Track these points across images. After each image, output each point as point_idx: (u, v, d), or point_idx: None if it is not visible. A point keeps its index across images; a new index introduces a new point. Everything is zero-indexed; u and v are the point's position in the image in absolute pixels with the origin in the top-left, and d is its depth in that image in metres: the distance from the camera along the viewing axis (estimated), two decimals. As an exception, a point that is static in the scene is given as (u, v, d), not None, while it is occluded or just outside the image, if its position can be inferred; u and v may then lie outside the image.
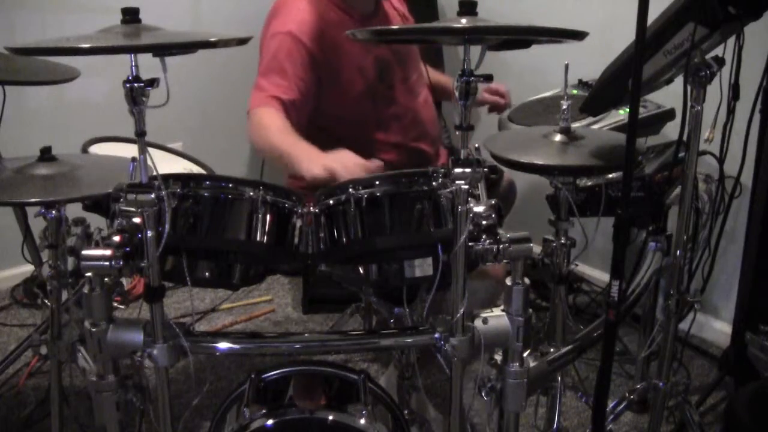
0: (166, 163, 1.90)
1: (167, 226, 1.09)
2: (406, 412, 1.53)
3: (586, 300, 2.66)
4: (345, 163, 1.43)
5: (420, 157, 2.00)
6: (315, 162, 1.47)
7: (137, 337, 1.15)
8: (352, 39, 1.20)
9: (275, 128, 1.69)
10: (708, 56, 1.42)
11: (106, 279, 1.13)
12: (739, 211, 2.06)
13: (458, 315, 1.15)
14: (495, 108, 2.13)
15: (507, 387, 1.22)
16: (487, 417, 1.27)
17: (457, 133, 1.11)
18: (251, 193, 1.19)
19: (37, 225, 1.48)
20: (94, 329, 1.13)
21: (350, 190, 1.20)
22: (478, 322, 1.18)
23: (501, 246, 1.14)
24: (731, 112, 1.54)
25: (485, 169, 1.12)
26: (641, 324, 1.97)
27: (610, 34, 1.76)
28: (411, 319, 1.50)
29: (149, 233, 1.07)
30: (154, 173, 1.09)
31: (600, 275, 2.70)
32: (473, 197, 1.13)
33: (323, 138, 1.94)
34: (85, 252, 1.09)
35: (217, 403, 1.33)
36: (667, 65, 1.47)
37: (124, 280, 1.19)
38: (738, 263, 2.03)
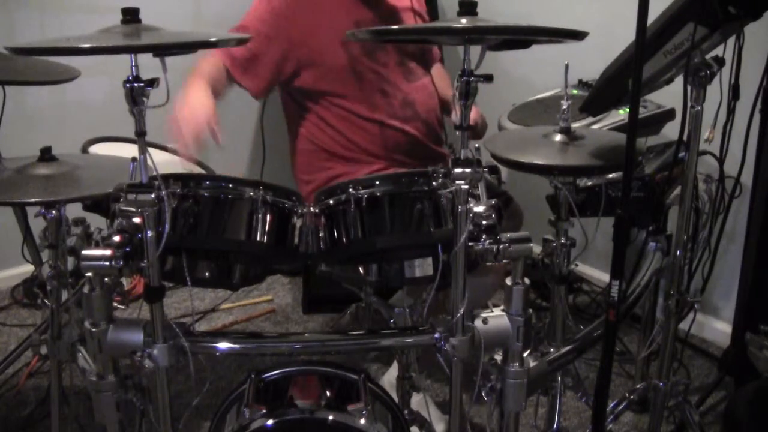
0: (166, 163, 1.89)
1: (167, 226, 1.09)
2: (406, 412, 1.53)
3: (586, 300, 2.66)
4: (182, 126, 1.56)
5: (407, 139, 1.97)
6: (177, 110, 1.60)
7: (137, 337, 1.15)
8: (352, 40, 1.20)
9: (196, 71, 1.81)
10: (708, 56, 1.42)
11: (106, 279, 1.12)
12: (739, 211, 2.06)
13: (458, 315, 1.15)
14: None
15: (507, 387, 1.22)
16: (487, 417, 1.27)
17: (457, 133, 1.11)
18: (251, 193, 1.19)
19: (37, 225, 1.48)
20: (94, 329, 1.13)
21: (350, 190, 1.20)
22: (478, 322, 1.18)
23: (501, 246, 1.14)
24: (731, 112, 1.54)
25: (485, 169, 1.12)
26: (641, 324, 1.97)
27: (610, 34, 1.76)
28: (411, 319, 1.50)
29: (149, 233, 1.07)
30: (154, 173, 1.09)
31: (600, 275, 2.70)
32: (473, 197, 1.13)
33: (309, 102, 1.97)
34: (85, 252, 1.09)
35: (217, 403, 1.33)
36: (667, 65, 1.46)
37: (124, 280, 1.18)
38: (738, 263, 2.03)
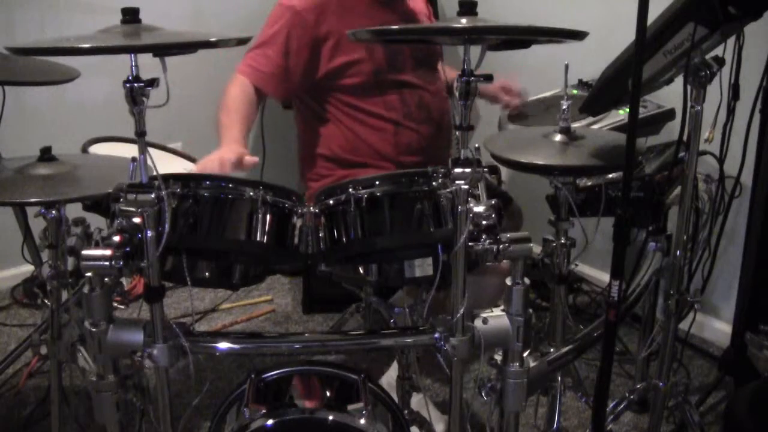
0: (166, 163, 1.90)
1: (167, 226, 1.09)
2: (406, 412, 1.53)
3: (586, 300, 2.66)
4: (215, 165, 1.57)
5: (420, 139, 2.00)
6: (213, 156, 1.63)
7: (137, 337, 1.15)
8: (352, 39, 1.20)
9: (227, 101, 1.87)
10: (708, 56, 1.42)
11: (106, 279, 1.12)
12: (739, 211, 2.06)
13: (458, 315, 1.15)
14: (507, 106, 2.19)
15: (507, 387, 1.22)
16: (487, 417, 1.27)
17: (457, 133, 1.11)
18: (251, 193, 1.19)
19: (37, 225, 1.48)
20: (94, 329, 1.13)
21: (350, 190, 1.20)
22: (478, 322, 1.18)
23: (501, 246, 1.14)
24: (731, 112, 1.54)
25: (485, 169, 1.12)
26: (641, 324, 1.97)
27: (610, 34, 1.76)
28: (411, 319, 1.50)
29: (149, 233, 1.07)
30: (154, 173, 1.09)
31: (600, 275, 2.70)
32: (473, 197, 1.13)
33: (324, 103, 2.00)
34: (85, 252, 1.09)
35: (217, 403, 1.33)
36: (667, 65, 1.46)
37: (124, 280, 1.18)
38: (738, 263, 2.03)
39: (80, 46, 1.01)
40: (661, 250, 1.71)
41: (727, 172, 1.65)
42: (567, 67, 1.54)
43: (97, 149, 1.84)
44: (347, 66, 1.92)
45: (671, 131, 2.15)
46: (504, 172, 1.34)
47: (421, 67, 2.04)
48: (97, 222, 1.29)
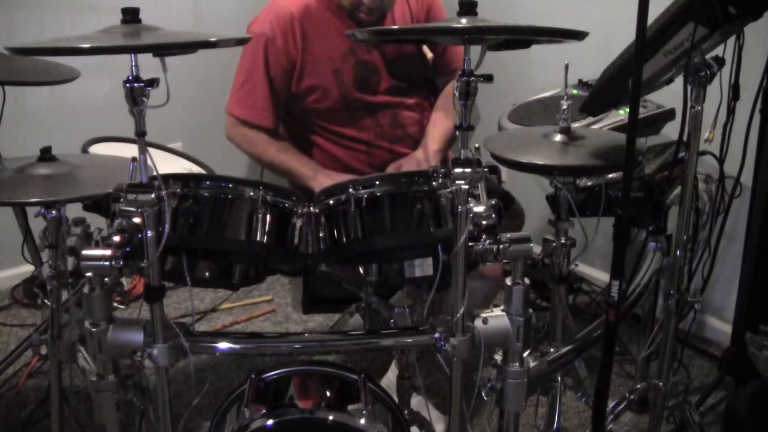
0: (166, 163, 1.90)
1: (167, 226, 1.09)
2: (406, 412, 1.53)
3: (586, 300, 2.66)
4: None
5: (395, 158, 1.98)
6: (325, 180, 1.72)
7: (137, 337, 1.15)
8: (353, 39, 1.20)
9: (273, 146, 1.92)
10: (708, 56, 1.42)
11: (106, 279, 1.13)
12: (739, 211, 2.05)
13: (458, 315, 1.15)
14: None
15: (507, 387, 1.22)
16: (487, 417, 1.27)
17: (457, 133, 1.11)
18: (251, 193, 1.19)
19: (37, 225, 1.48)
20: (94, 329, 1.13)
21: (350, 190, 1.20)
22: (478, 322, 1.18)
23: (501, 246, 1.14)
24: (731, 112, 1.54)
25: (485, 169, 1.12)
26: (641, 324, 1.97)
27: (610, 34, 1.76)
28: (411, 319, 1.50)
29: (149, 233, 1.07)
30: (154, 173, 1.09)
31: (600, 275, 2.70)
32: (473, 197, 1.13)
33: (293, 123, 2.01)
34: (85, 252, 1.09)
35: (217, 403, 1.33)
36: (667, 65, 1.46)
37: (124, 280, 1.19)
38: (738, 263, 2.03)
39: (80, 46, 1.01)
40: (661, 250, 1.71)
41: (727, 172, 1.64)
42: (567, 67, 1.54)
43: (97, 149, 1.84)
44: (312, 90, 1.92)
45: (671, 131, 2.15)
46: (504, 172, 1.34)
47: (400, 84, 2.00)
48: (97, 222, 1.29)
